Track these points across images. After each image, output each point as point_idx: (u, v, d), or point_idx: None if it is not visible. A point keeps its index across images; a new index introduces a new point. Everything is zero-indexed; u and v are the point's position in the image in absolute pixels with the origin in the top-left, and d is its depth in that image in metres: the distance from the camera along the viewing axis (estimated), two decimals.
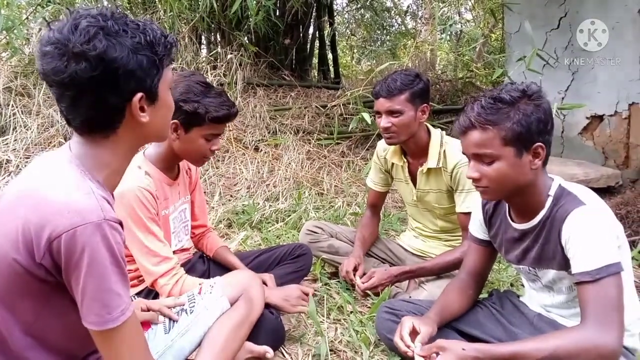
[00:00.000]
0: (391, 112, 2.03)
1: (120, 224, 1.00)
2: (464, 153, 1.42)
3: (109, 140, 1.05)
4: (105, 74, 0.96)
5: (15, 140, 3.57)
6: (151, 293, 1.81)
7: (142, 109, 1.03)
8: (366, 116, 3.29)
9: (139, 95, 1.01)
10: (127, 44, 0.97)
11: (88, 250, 0.92)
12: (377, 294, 2.10)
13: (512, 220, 1.51)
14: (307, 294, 1.87)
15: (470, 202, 2.01)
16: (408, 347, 1.43)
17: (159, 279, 1.65)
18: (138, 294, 1.81)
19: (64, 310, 1.01)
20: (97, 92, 0.97)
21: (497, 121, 1.31)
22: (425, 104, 2.07)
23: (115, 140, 1.05)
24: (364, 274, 2.19)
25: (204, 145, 1.74)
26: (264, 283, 1.92)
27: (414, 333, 1.48)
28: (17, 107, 3.76)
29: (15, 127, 3.66)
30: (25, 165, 2.87)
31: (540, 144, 1.33)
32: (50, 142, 3.62)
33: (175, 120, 1.68)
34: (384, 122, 2.05)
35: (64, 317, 1.02)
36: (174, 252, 1.82)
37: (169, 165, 1.83)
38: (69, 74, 0.94)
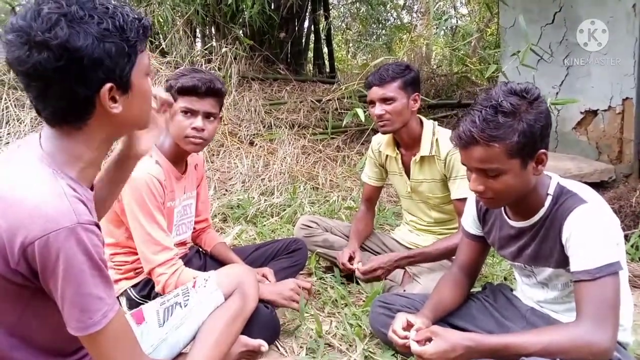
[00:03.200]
0: (384, 100, 2.07)
1: (97, 225, 0.96)
2: (463, 164, 1.38)
3: (81, 132, 0.99)
4: (69, 64, 0.90)
5: (9, 134, 3.55)
6: (148, 285, 1.81)
7: (113, 100, 0.97)
8: (360, 112, 3.29)
9: (108, 86, 0.95)
10: (92, 31, 0.90)
11: (63, 256, 0.89)
12: (377, 279, 2.12)
13: (509, 218, 1.50)
14: (304, 288, 1.88)
15: (465, 187, 2.03)
16: (403, 337, 1.43)
17: (156, 268, 1.66)
18: (134, 286, 1.82)
19: (46, 312, 0.99)
20: (64, 83, 0.92)
21: (502, 136, 1.26)
22: (417, 93, 2.12)
23: (87, 132, 0.99)
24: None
25: (182, 121, 1.74)
26: (265, 277, 1.93)
27: (408, 328, 1.47)
28: (9, 101, 3.73)
29: (9, 121, 3.65)
30: None
31: (543, 150, 1.31)
32: None
33: None
34: (377, 109, 2.09)
35: (47, 318, 1.00)
36: None
37: (177, 158, 1.84)
38: (32, 65, 0.89)
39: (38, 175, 0.95)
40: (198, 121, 1.74)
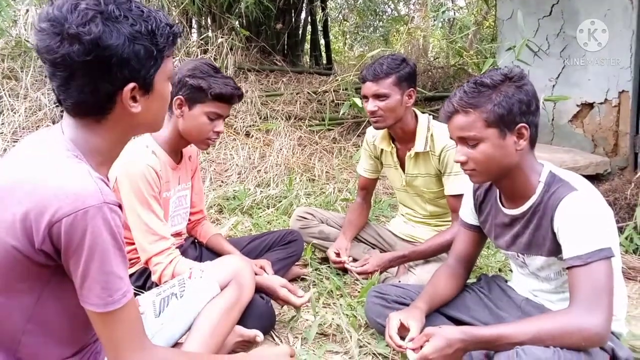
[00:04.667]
0: (378, 96, 2.05)
1: (120, 206, 0.99)
2: (451, 138, 1.44)
3: (100, 126, 1.02)
4: (97, 60, 0.93)
5: (3, 123, 3.53)
6: (143, 275, 1.81)
7: (134, 99, 1.01)
8: (357, 101, 3.30)
9: (131, 85, 0.98)
10: (125, 32, 0.94)
11: (89, 233, 0.91)
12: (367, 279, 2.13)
13: (503, 206, 1.52)
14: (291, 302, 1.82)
15: (459, 184, 2.03)
16: (399, 346, 1.42)
17: (153, 257, 1.65)
18: (129, 276, 1.81)
19: (64, 295, 1.00)
20: (88, 77, 0.95)
21: (478, 104, 1.34)
22: (412, 88, 2.09)
23: (106, 126, 1.03)
24: (353, 259, 2.22)
25: (206, 124, 1.75)
26: (262, 269, 1.93)
27: (402, 327, 1.47)
28: (4, 91, 3.71)
29: (3, 111, 3.62)
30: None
31: (523, 124, 1.35)
32: (38, 126, 3.58)
33: (180, 96, 1.73)
34: (370, 105, 2.06)
35: (65, 301, 1.01)
36: None
37: (174, 149, 1.84)
38: (61, 55, 0.92)
39: (62, 158, 0.97)
40: (221, 125, 1.78)
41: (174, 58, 4.33)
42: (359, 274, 2.13)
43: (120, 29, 0.94)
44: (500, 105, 1.32)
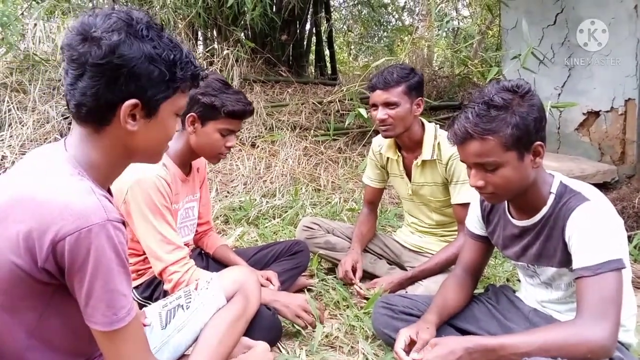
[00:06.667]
0: (388, 104, 2.05)
1: (124, 222, 0.98)
2: (462, 161, 1.40)
3: (99, 138, 1.02)
4: (108, 66, 0.95)
5: (11, 136, 3.56)
6: (150, 286, 1.81)
7: (133, 117, 1.01)
8: (362, 111, 3.30)
9: (133, 101, 0.99)
10: (145, 49, 0.97)
11: (93, 252, 0.91)
12: None
13: (512, 217, 1.51)
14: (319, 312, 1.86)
15: (466, 193, 2.03)
16: None
17: (169, 267, 1.66)
18: (136, 288, 1.82)
19: (67, 311, 1.00)
20: (95, 80, 0.96)
21: (496, 129, 1.28)
22: (420, 98, 2.10)
23: (104, 141, 1.03)
24: (365, 274, 2.21)
25: (219, 140, 1.77)
26: (269, 280, 1.93)
27: (412, 343, 1.45)
28: (12, 103, 3.74)
29: (11, 124, 3.65)
30: None
31: (539, 143, 1.33)
32: (46, 139, 3.61)
33: (192, 113, 1.75)
34: (380, 114, 2.06)
35: (68, 317, 1.01)
36: None
37: (184, 162, 1.86)
38: (79, 53, 0.95)
39: (66, 175, 0.97)
40: (233, 140, 1.82)
41: None
42: (366, 298, 2.11)
43: (141, 46, 0.96)
44: (517, 128, 1.28)
